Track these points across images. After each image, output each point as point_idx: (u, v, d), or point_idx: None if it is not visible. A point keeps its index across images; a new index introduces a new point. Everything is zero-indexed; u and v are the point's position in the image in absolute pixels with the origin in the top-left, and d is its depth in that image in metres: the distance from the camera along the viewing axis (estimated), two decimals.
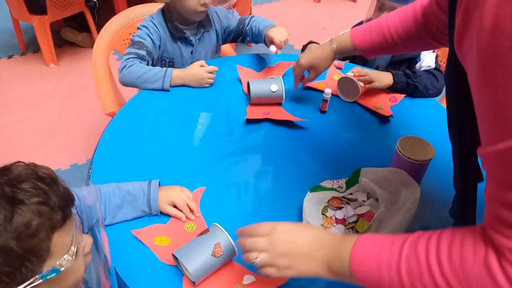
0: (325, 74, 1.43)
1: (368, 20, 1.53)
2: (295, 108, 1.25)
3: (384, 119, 1.25)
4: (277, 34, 1.35)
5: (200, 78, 1.28)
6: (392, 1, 1.39)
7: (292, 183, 1.01)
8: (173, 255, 0.76)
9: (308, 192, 0.91)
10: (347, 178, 0.96)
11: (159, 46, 1.38)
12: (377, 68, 1.58)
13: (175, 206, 0.88)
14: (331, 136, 1.18)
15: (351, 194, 0.93)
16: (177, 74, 1.27)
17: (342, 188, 0.94)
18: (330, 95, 1.23)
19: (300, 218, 0.88)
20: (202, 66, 1.30)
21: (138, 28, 1.36)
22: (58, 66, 2.70)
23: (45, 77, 2.60)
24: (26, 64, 2.72)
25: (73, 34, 2.87)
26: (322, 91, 1.24)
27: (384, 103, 1.30)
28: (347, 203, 0.91)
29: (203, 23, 1.43)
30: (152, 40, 1.34)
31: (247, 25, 1.48)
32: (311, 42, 1.59)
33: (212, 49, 1.51)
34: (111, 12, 2.03)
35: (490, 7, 0.41)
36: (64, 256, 0.54)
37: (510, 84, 0.41)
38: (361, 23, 1.58)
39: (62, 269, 0.53)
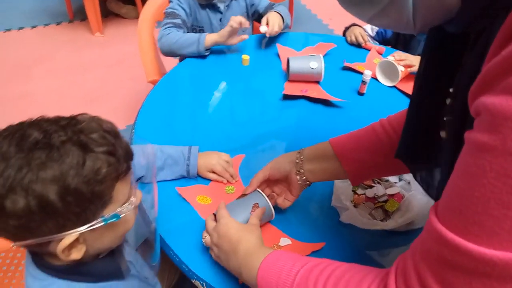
0: (365, 57, 1.43)
1: None
2: (333, 88, 1.25)
3: None
4: (273, 17, 1.40)
5: (232, 29, 1.28)
6: None
7: None
8: (214, 214, 0.80)
9: None
10: None
11: (190, 15, 1.43)
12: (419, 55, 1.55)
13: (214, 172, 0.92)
14: (368, 118, 1.17)
15: None
16: (211, 35, 1.31)
17: None
18: (370, 77, 1.22)
19: (331, 194, 0.90)
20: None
21: (170, 1, 1.43)
22: (103, 36, 2.80)
23: (91, 45, 2.70)
24: (73, 31, 2.83)
25: (118, 6, 2.95)
26: (362, 73, 1.24)
27: None
28: (378, 183, 0.93)
29: None
30: (184, 9, 1.40)
31: (271, 10, 1.50)
32: (354, 24, 1.58)
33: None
34: None
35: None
36: (125, 204, 0.59)
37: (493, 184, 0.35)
38: None
39: (122, 215, 0.58)
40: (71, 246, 0.55)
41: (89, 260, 0.61)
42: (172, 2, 1.41)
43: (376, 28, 1.64)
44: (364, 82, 1.23)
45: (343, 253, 0.80)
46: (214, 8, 1.46)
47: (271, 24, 1.38)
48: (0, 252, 0.86)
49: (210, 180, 0.92)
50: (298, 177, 0.80)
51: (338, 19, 3.09)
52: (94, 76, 2.45)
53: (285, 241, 0.80)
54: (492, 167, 0.35)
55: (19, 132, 0.52)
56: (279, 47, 1.42)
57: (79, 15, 2.94)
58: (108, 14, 2.98)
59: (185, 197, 0.87)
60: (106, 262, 0.65)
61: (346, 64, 1.35)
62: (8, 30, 2.76)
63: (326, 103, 1.21)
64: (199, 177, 0.92)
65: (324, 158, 0.79)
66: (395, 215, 0.87)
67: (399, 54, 1.33)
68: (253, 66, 1.35)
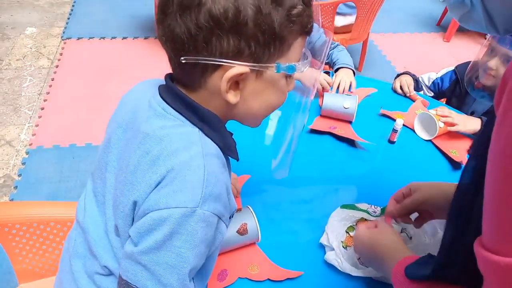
0: (408, 107, 1.40)
1: (475, 63, 1.44)
2: (364, 131, 1.24)
3: (456, 166, 1.18)
4: (343, 76, 1.39)
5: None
6: (505, 47, 1.30)
7: (331, 197, 1.02)
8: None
9: (339, 207, 0.92)
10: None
11: None
12: (472, 114, 1.48)
13: None
14: (390, 167, 1.16)
15: None
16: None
17: (375, 213, 0.92)
18: (402, 126, 1.20)
19: (322, 230, 0.89)
20: None
21: None
22: None
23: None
24: (157, 46, 3.10)
25: None
26: (395, 120, 1.21)
27: (461, 149, 1.22)
28: None
29: None
30: None
31: (332, 49, 1.53)
32: (406, 73, 1.54)
33: None
34: None
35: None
36: (299, 62, 0.58)
37: None
38: (467, 63, 1.49)
39: (293, 72, 0.57)
40: (233, 83, 0.55)
41: (225, 119, 0.63)
42: None
43: (432, 78, 1.59)
44: (395, 131, 1.20)
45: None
46: None
47: (336, 82, 1.39)
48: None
49: None
50: None
51: (412, 68, 3.01)
52: None
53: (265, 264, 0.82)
54: None
55: None
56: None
57: None
58: None
59: None
60: (231, 138, 0.66)
61: (383, 111, 1.33)
62: (103, 38, 3.12)
63: (352, 144, 1.20)
64: None
65: None
66: None
67: (443, 110, 1.28)
68: (293, 96, 1.38)
